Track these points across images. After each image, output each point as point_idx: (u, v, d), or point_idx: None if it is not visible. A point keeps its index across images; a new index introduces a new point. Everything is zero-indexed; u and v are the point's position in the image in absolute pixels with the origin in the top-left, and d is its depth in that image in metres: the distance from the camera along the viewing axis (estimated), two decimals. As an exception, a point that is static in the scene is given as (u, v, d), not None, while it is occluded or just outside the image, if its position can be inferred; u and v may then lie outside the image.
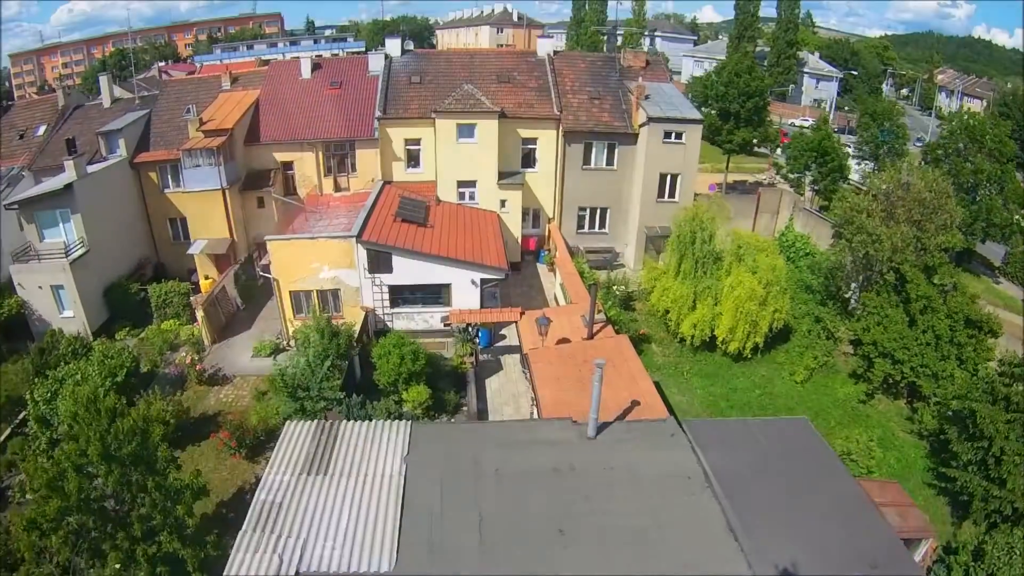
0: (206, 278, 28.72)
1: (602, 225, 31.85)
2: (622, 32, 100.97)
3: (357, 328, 23.21)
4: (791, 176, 38.75)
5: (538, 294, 28.97)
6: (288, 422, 14.77)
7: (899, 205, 24.66)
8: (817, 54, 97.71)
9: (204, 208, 27.71)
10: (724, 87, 38.12)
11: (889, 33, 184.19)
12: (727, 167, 42.11)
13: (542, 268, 31.55)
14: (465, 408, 20.50)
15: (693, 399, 23.09)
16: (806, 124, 73.61)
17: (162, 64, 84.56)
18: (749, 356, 24.41)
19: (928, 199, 24.35)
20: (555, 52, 33.59)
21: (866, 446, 19.68)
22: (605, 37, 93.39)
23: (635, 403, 16.04)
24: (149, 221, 31.20)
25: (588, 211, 31.45)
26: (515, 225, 29.95)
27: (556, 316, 21.24)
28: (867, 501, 13.75)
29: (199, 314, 24.99)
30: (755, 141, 39.94)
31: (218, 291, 26.47)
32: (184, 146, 27.11)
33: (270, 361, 24.12)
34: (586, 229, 31.82)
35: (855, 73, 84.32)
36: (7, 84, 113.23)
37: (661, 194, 29.80)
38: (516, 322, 21.69)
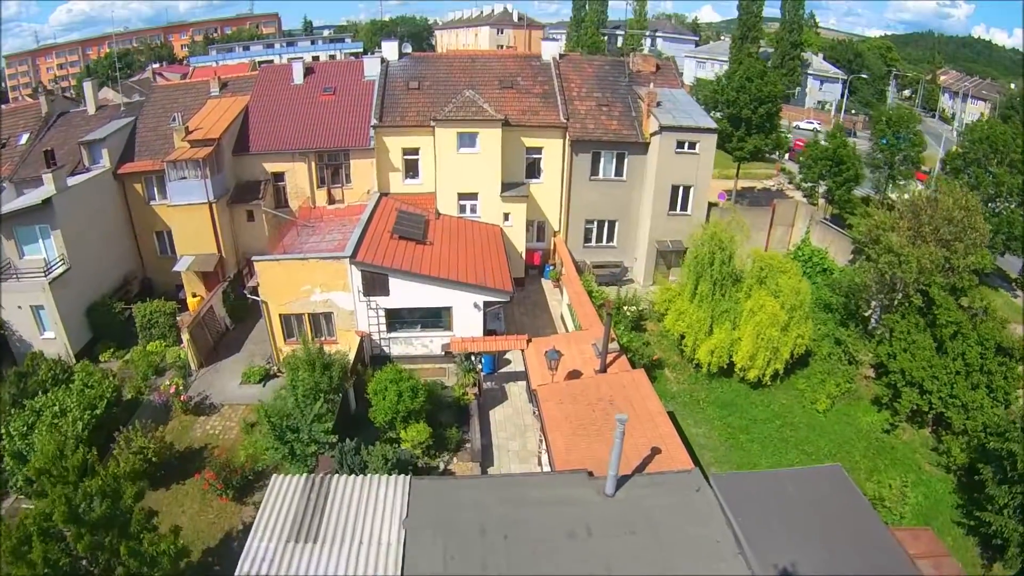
0: (193, 296, 27.31)
1: (610, 238, 30.44)
2: (622, 33, 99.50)
3: (352, 354, 21.87)
4: (804, 185, 37.30)
5: (543, 313, 27.57)
6: (275, 476, 13.40)
7: (927, 223, 23.28)
8: (821, 55, 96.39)
9: (190, 223, 26.26)
10: (736, 92, 36.64)
11: (889, 33, 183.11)
12: (737, 175, 40.73)
13: (547, 284, 30.16)
14: (468, 445, 19.11)
15: (711, 432, 21.72)
16: (811, 127, 72.47)
17: (156, 66, 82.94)
18: (768, 383, 23.07)
19: (957, 217, 22.98)
20: (560, 55, 32.11)
21: (900, 491, 18.34)
22: (605, 38, 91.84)
23: (655, 451, 14.69)
24: (135, 234, 29.80)
25: (595, 224, 30.02)
26: (519, 239, 28.52)
27: (566, 344, 19.87)
28: (903, 556, 12.83)
29: (185, 337, 23.58)
30: (767, 149, 38.49)
31: (205, 312, 25.05)
32: (168, 157, 25.67)
33: (259, 388, 22.85)
34: (593, 243, 30.40)
35: (865, 77, 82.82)
36: (2, 85, 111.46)
37: (673, 207, 28.38)
38: (523, 350, 20.28)
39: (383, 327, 22.38)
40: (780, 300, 21.69)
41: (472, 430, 19.31)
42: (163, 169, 26.30)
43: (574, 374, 18.12)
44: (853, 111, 79.39)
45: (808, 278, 29.55)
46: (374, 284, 21.29)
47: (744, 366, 22.35)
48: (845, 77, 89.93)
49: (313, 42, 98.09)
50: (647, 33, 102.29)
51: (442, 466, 18.42)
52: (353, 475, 13.54)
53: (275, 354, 23.12)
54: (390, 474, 15.23)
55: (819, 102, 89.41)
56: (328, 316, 22.26)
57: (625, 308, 24.94)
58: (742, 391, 23.46)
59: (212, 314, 25.67)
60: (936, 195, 23.88)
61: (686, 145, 27.17)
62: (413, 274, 21.19)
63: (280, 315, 22.09)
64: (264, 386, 22.97)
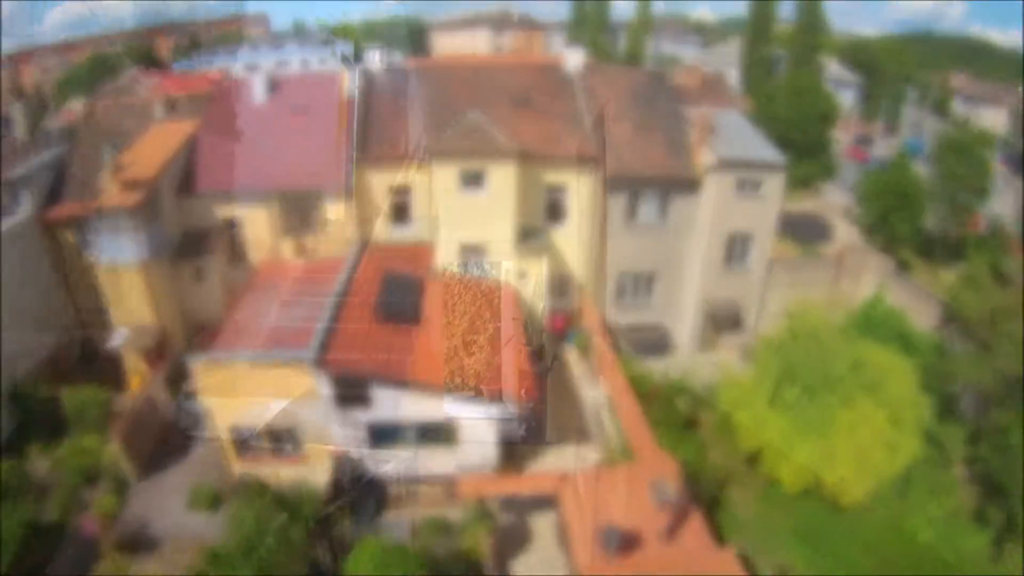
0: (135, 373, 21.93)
1: (648, 295, 24.98)
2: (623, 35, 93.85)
3: (325, 477, 16.55)
4: (862, 221, 31.89)
5: (571, 409, 21.17)
6: None
7: None
8: (835, 59, 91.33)
9: (123, 286, 20.74)
10: (785, 109, 31.28)
11: (887, 33, 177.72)
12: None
13: (571, 353, 24.57)
14: (482, 630, 13.78)
15: (795, 581, 16.46)
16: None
17: (133, 72, 76.95)
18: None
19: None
20: (586, 66, 26.27)
21: None
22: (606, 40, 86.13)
23: None
24: (70, 290, 24.26)
25: (631, 278, 24.49)
26: (538, 302, 23.10)
27: (613, 483, 14.53)
28: None
29: (116, 447, 18.19)
30: (819, 176, 33.24)
31: (141, 405, 19.60)
32: (91, 204, 20.18)
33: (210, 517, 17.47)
34: (627, 299, 24.84)
35: (911, 90, 78.19)
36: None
37: (728, 260, 22.97)
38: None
39: (365, 443, 16.92)
40: (889, 413, 16.46)
41: (487, 604, 14.00)
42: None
43: (631, 541, 12.74)
44: (884, 120, 74.58)
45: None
46: (350, 394, 15.82)
47: (836, 489, 17.09)
48: (860, 81, 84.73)
49: (302, 45, 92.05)
50: (652, 35, 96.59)
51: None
52: None
53: (228, 472, 17.66)
54: None
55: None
56: (292, 430, 16.78)
57: (676, 400, 19.55)
58: (824, 513, 18.14)
59: (152, 406, 20.20)
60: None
61: (747, 185, 21.77)
62: (403, 382, 15.68)
63: (230, 428, 16.62)
64: (217, 512, 17.64)
